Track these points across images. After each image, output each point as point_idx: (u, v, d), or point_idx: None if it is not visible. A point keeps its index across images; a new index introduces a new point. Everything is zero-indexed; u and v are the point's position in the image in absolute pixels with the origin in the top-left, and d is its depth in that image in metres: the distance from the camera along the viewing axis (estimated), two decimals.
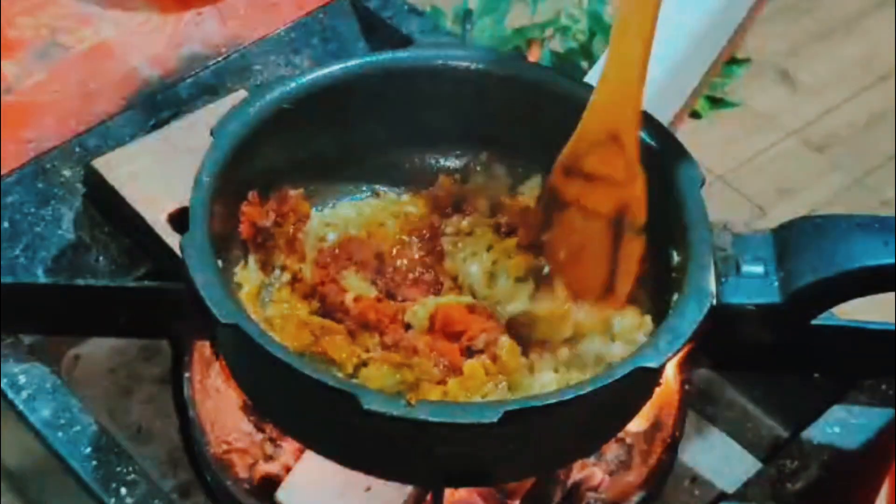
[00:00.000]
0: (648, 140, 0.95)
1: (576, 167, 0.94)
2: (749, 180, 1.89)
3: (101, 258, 1.14)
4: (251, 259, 0.96)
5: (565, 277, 0.96)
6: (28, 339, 1.05)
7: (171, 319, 0.99)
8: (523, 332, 0.94)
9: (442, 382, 0.89)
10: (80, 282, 1.04)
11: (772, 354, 0.96)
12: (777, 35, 2.06)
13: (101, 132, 1.18)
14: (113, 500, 0.95)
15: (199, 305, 0.84)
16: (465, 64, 1.00)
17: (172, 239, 1.05)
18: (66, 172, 1.15)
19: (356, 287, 0.95)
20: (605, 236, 0.94)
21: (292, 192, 0.98)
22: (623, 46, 0.91)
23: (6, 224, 1.12)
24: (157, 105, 1.21)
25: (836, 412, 1.03)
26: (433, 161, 1.04)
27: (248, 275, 0.95)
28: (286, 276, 0.96)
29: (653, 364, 0.84)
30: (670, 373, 1.00)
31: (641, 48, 0.90)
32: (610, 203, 0.94)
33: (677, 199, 0.92)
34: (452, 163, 1.04)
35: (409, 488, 0.97)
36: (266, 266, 0.97)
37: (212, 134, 0.93)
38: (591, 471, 1.01)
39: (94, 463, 0.97)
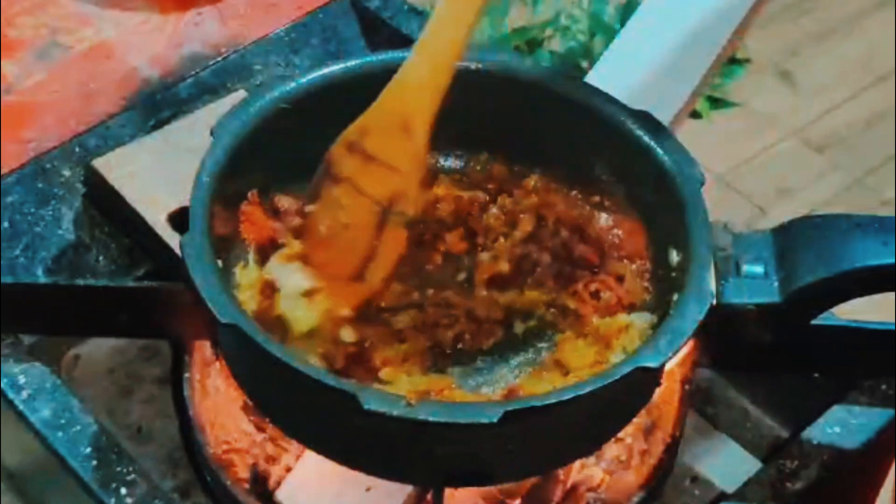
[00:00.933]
0: (648, 140, 0.95)
1: (359, 144, 0.93)
2: (749, 180, 1.89)
3: (101, 258, 1.14)
4: (251, 259, 0.96)
5: (318, 254, 0.94)
6: (28, 339, 1.05)
7: (171, 319, 0.99)
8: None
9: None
10: (80, 282, 1.04)
11: (772, 354, 0.96)
12: (777, 35, 2.06)
13: (101, 132, 1.18)
14: (113, 500, 0.95)
15: (199, 305, 0.84)
16: (465, 64, 1.00)
17: (172, 239, 1.05)
18: (66, 172, 1.15)
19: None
20: (370, 220, 0.93)
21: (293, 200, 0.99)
22: (438, 30, 0.90)
23: (6, 224, 1.12)
24: (157, 105, 1.21)
25: (836, 412, 1.03)
26: (433, 161, 1.04)
27: (248, 275, 0.95)
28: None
29: (653, 364, 0.84)
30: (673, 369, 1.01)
31: (458, 37, 0.89)
32: (384, 188, 0.92)
33: (677, 199, 0.92)
34: (452, 163, 1.04)
35: (409, 488, 0.97)
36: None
37: (212, 134, 0.93)
38: (591, 471, 1.01)
39: (94, 463, 0.97)
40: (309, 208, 0.95)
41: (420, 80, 0.91)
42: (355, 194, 0.93)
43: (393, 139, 0.92)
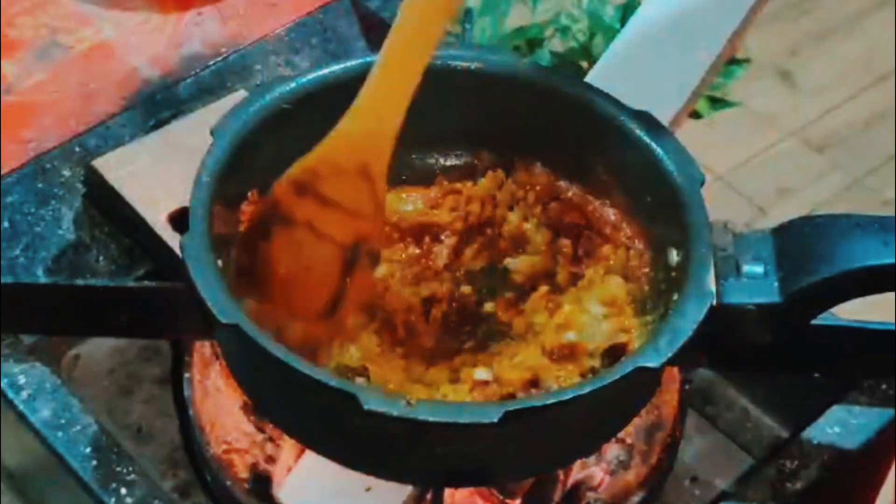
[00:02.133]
0: (648, 140, 0.95)
1: (312, 187, 0.89)
2: (749, 180, 1.89)
3: (101, 258, 1.14)
4: None
5: (280, 293, 0.89)
6: (28, 339, 1.05)
7: (171, 319, 0.99)
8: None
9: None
10: (80, 282, 1.04)
11: (772, 354, 0.96)
12: (777, 35, 2.06)
13: (101, 132, 1.18)
14: (113, 500, 0.95)
15: (199, 305, 0.84)
16: (465, 64, 1.00)
17: (172, 239, 1.05)
18: (66, 172, 1.15)
19: None
20: (335, 263, 0.89)
21: None
22: (387, 73, 0.86)
23: (6, 224, 1.12)
24: (157, 105, 1.21)
25: (836, 412, 1.03)
26: (433, 161, 1.04)
27: None
28: None
29: (653, 364, 0.84)
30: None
31: (408, 81, 0.86)
32: (348, 232, 0.89)
33: (677, 199, 0.92)
34: (452, 163, 1.04)
35: (409, 488, 0.97)
36: None
37: (212, 134, 0.93)
38: (591, 471, 1.01)
39: (94, 463, 0.97)
40: (261, 246, 0.91)
41: (371, 127, 0.88)
42: (315, 237, 0.90)
43: (350, 184, 0.89)
